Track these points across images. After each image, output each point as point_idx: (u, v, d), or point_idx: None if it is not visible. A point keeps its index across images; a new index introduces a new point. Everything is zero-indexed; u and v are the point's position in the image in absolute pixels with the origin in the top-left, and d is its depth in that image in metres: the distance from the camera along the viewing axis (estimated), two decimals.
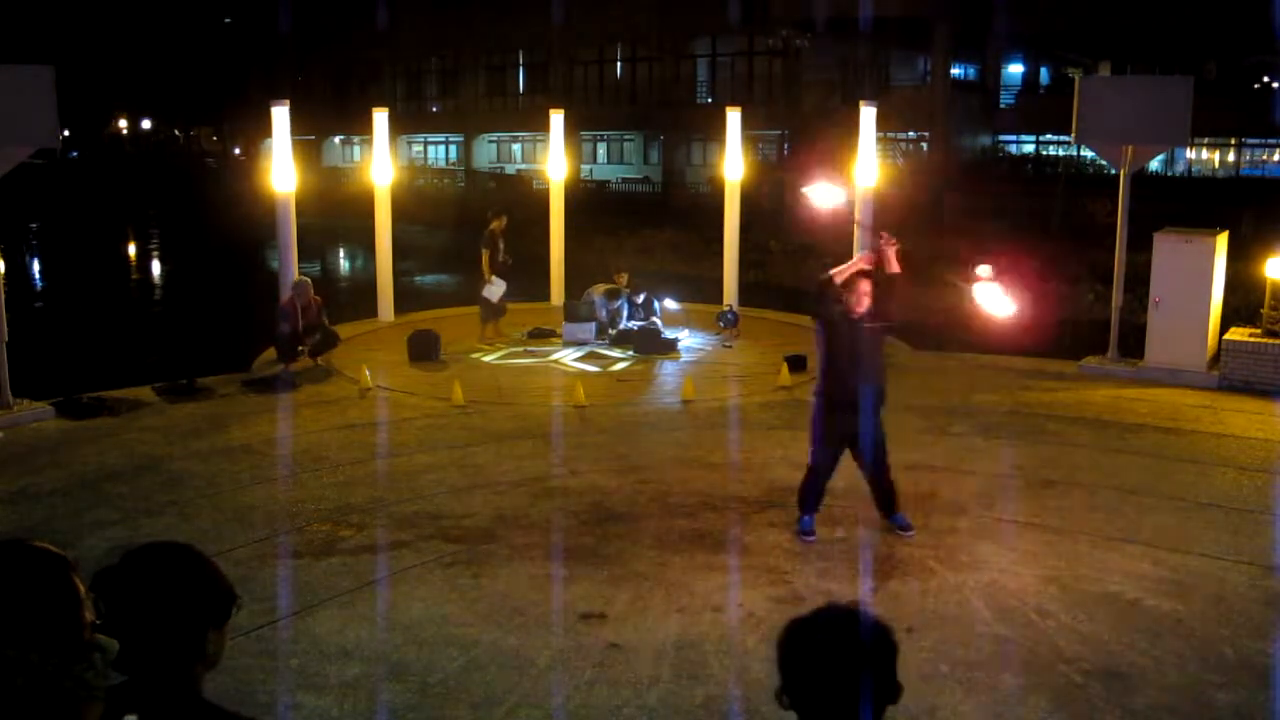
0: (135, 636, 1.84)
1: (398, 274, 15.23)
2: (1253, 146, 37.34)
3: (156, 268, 31.67)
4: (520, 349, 13.16)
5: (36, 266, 29.70)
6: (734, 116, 15.25)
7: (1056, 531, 7.07)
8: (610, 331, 13.41)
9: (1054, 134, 35.71)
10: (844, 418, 6.76)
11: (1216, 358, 11.24)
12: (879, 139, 15.56)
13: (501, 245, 13.67)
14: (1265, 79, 36.60)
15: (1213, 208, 19.97)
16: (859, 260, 6.91)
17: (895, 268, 6.88)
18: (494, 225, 13.70)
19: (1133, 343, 11.93)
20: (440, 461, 8.65)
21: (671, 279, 17.58)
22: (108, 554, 6.20)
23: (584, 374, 11.76)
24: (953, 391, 11.06)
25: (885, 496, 7.03)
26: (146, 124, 79.38)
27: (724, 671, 5.24)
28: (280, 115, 12.50)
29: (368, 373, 11.14)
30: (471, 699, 4.98)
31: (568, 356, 12.74)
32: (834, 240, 15.74)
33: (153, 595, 1.91)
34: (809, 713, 1.90)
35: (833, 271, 6.85)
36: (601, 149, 43.94)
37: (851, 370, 6.69)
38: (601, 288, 13.77)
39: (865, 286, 6.69)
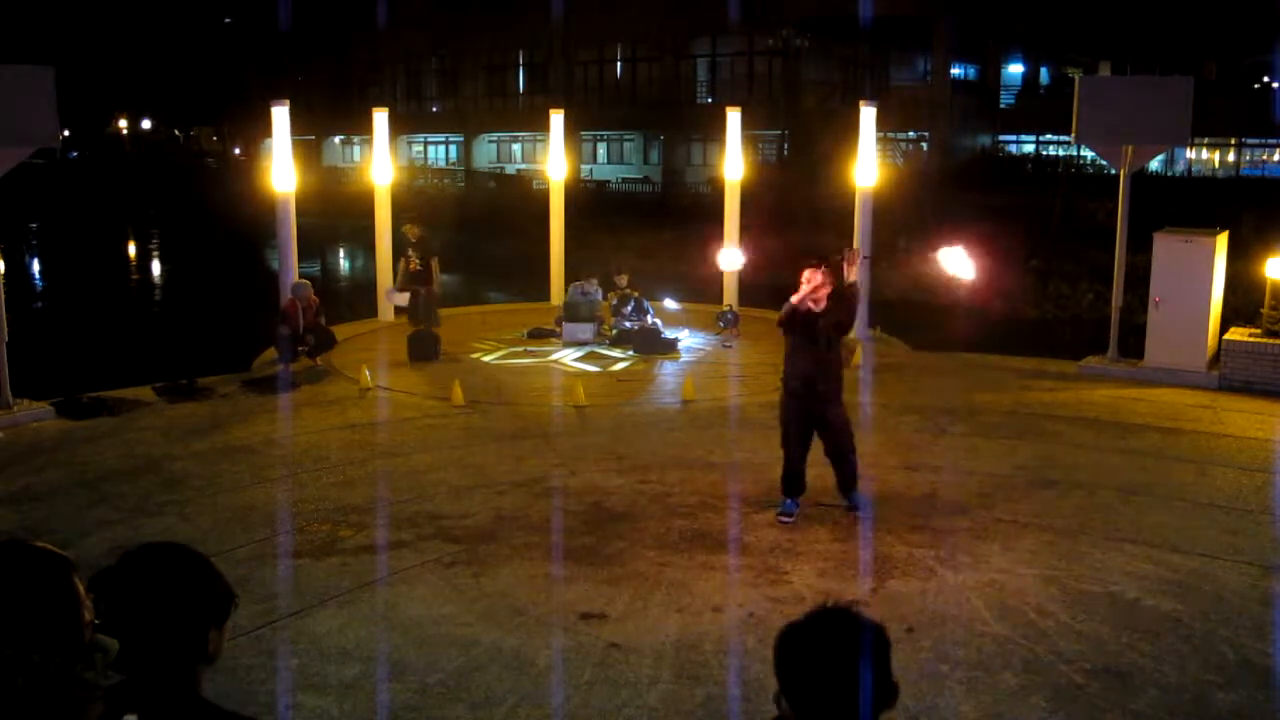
0: (135, 636, 1.84)
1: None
2: (1253, 146, 37.35)
3: (156, 268, 31.67)
4: (520, 349, 13.16)
5: (36, 266, 29.70)
6: (734, 116, 15.25)
7: (1056, 531, 7.07)
8: (609, 328, 13.43)
9: (1054, 134, 35.74)
10: (801, 403, 7.16)
11: (1216, 358, 11.24)
12: (879, 139, 15.56)
13: (412, 253, 13.20)
14: (1265, 79, 36.61)
15: (1213, 208, 19.97)
16: (816, 281, 7.07)
17: (852, 277, 7.32)
18: (405, 230, 13.34)
19: (1133, 343, 11.94)
20: (440, 461, 8.65)
21: (671, 279, 17.58)
22: (108, 554, 6.20)
23: (584, 374, 11.76)
24: (953, 391, 11.06)
25: (845, 478, 7.35)
26: (146, 124, 79.40)
27: (724, 671, 5.24)
28: (280, 115, 12.51)
29: (368, 373, 11.14)
30: (471, 699, 4.97)
31: (568, 356, 12.74)
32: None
33: (152, 595, 1.91)
34: (807, 716, 1.90)
35: (794, 299, 7.08)
36: (601, 149, 43.95)
37: (802, 360, 7.10)
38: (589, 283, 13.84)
39: (818, 276, 7.04)
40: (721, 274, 15.03)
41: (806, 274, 7.05)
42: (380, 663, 5.31)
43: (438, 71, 48.53)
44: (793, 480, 7.29)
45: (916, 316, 15.30)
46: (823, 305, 7.05)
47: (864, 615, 1.95)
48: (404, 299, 13.27)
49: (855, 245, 7.39)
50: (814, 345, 7.04)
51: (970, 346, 13.35)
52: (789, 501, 7.29)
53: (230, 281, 23.22)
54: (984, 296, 15.43)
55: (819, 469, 7.37)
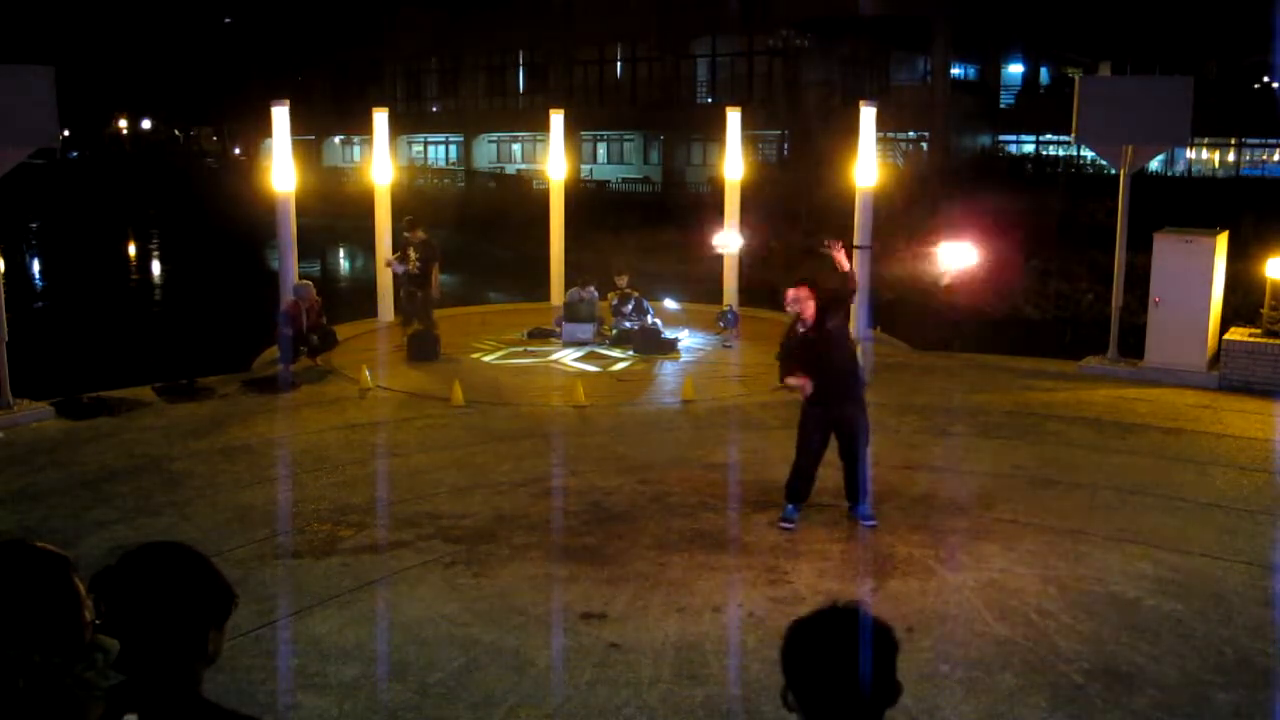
0: (135, 636, 1.84)
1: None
2: (1253, 146, 37.34)
3: (156, 268, 31.67)
4: (520, 349, 13.16)
5: (36, 266, 29.70)
6: (734, 116, 15.25)
7: (1056, 531, 7.07)
8: (607, 330, 13.42)
9: (1054, 134, 35.73)
10: (823, 410, 7.11)
11: (1216, 358, 11.24)
12: (879, 139, 15.56)
13: (413, 254, 12.95)
14: (1265, 79, 36.63)
15: (1213, 208, 19.97)
16: (801, 298, 7.08)
17: (845, 266, 7.20)
18: (407, 229, 13.17)
19: (1133, 343, 11.94)
20: (440, 461, 8.65)
21: (671, 279, 17.58)
22: (108, 554, 6.20)
23: (584, 374, 11.76)
24: (953, 391, 11.06)
25: (854, 485, 7.28)
26: (146, 124, 79.30)
27: (724, 671, 5.24)
28: (280, 115, 12.50)
29: (368, 373, 11.14)
30: (471, 699, 4.97)
31: (568, 356, 12.74)
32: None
33: (152, 595, 1.91)
34: (812, 712, 1.92)
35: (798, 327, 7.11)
36: (601, 149, 43.94)
37: (818, 369, 7.04)
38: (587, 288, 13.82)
39: (801, 294, 7.03)
40: (721, 274, 15.03)
41: (790, 294, 7.08)
42: (380, 663, 5.31)
43: (438, 71, 48.52)
44: (800, 485, 7.20)
45: (916, 316, 15.30)
46: (811, 321, 7.04)
47: (871, 615, 1.97)
48: (400, 267, 13.13)
49: (828, 241, 7.38)
50: (818, 358, 7.01)
51: (970, 346, 13.36)
52: (790, 508, 7.21)
53: (230, 281, 23.23)
54: (982, 295, 15.52)
55: (821, 468, 7.37)
